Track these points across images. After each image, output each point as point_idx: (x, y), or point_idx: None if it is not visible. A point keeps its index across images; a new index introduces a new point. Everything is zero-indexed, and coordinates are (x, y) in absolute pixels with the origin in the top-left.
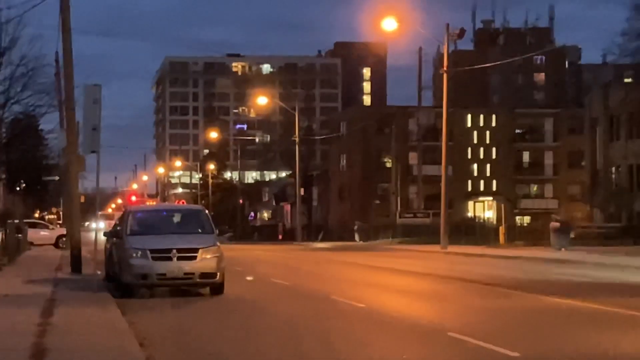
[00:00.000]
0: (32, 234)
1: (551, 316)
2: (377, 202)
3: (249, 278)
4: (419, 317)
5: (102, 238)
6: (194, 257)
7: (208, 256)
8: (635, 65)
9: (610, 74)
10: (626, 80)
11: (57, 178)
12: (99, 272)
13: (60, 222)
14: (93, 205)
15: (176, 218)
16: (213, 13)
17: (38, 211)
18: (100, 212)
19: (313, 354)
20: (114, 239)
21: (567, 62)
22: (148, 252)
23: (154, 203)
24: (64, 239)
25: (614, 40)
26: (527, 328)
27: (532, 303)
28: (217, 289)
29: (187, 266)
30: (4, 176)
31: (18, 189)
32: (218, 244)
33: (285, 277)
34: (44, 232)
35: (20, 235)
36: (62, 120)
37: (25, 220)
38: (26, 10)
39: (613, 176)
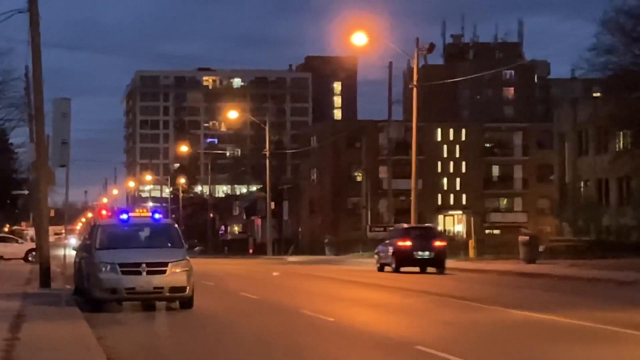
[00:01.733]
0: (2, 248)
1: (519, 330)
2: (348, 214)
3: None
4: (387, 330)
5: (71, 252)
6: (164, 271)
7: (177, 270)
8: (603, 80)
9: (579, 89)
10: (594, 95)
11: (26, 192)
12: (68, 287)
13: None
14: (62, 219)
15: (145, 232)
16: (184, 28)
17: (8, 225)
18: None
19: None
20: (83, 253)
21: (536, 77)
22: (117, 266)
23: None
24: (34, 252)
25: (582, 55)
26: (494, 342)
27: (500, 317)
28: (187, 303)
29: (157, 280)
30: None
31: None
32: (187, 258)
33: (255, 291)
34: (13, 246)
35: None
36: (32, 134)
37: None
38: None
39: (582, 190)
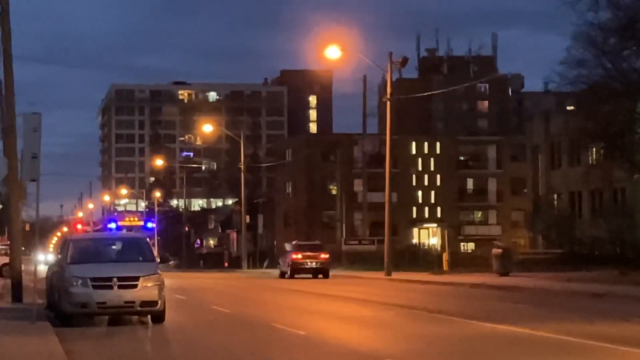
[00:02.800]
0: None
1: (489, 343)
2: (323, 227)
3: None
4: (358, 344)
5: (43, 267)
6: (135, 286)
7: (149, 284)
8: (575, 93)
9: (552, 102)
10: (567, 108)
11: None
12: (40, 301)
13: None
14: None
15: (117, 246)
16: (158, 41)
17: None
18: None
19: None
20: (55, 267)
21: (509, 90)
22: (88, 280)
23: (136, 220)
24: (6, 267)
25: (554, 68)
26: (462, 354)
27: (471, 330)
28: (158, 317)
29: (128, 294)
30: None
31: None
32: (159, 272)
33: (228, 305)
34: None
35: None
36: (5, 148)
37: None
38: None
39: (555, 203)
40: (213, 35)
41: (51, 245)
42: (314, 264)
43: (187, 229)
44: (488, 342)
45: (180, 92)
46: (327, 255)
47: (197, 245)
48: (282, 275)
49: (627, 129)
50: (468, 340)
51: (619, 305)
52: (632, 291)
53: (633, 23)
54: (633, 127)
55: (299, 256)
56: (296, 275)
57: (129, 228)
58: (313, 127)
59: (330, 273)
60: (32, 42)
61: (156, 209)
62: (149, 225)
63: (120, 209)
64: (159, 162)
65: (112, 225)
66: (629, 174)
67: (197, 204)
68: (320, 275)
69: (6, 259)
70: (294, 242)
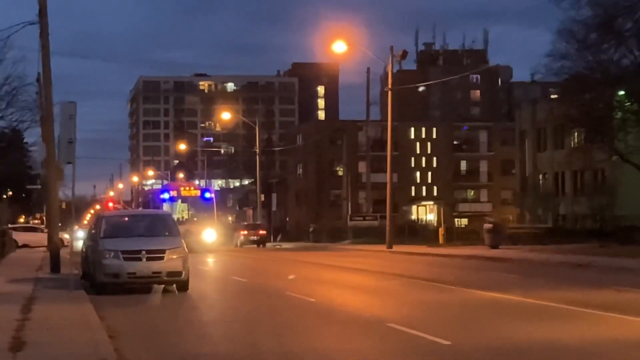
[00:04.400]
0: (29, 237)
1: (484, 309)
2: (330, 205)
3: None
4: (363, 310)
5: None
6: (162, 258)
7: (174, 256)
8: (559, 83)
9: (538, 91)
10: (552, 96)
11: (39, 186)
12: (76, 272)
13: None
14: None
15: (145, 222)
16: (181, 37)
17: (23, 217)
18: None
19: (265, 345)
20: (89, 241)
21: (499, 81)
22: (120, 253)
23: (192, 190)
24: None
25: (540, 60)
26: (461, 320)
27: (467, 297)
28: (183, 286)
29: (155, 266)
30: None
31: (4, 197)
32: (183, 245)
33: (245, 275)
34: (39, 235)
35: (5, 238)
36: (43, 134)
37: (23, 225)
38: (9, 34)
39: (540, 182)
40: (231, 31)
41: (85, 222)
42: (255, 237)
43: None
44: (483, 308)
45: (201, 83)
46: (264, 232)
47: None
48: (235, 245)
49: (606, 115)
50: (464, 307)
51: (599, 274)
52: (611, 262)
53: (611, 19)
54: (612, 113)
55: (245, 232)
56: (244, 246)
57: (185, 198)
58: (321, 115)
59: (337, 246)
60: (67, 39)
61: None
62: (207, 195)
63: (147, 189)
64: (182, 147)
65: (166, 196)
66: (608, 156)
67: (217, 184)
68: (260, 245)
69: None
70: (242, 223)
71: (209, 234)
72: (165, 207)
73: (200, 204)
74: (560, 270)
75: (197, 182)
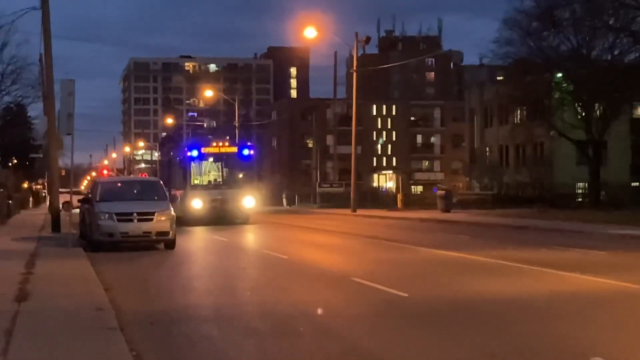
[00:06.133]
0: None
1: (437, 266)
2: (301, 174)
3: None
4: (330, 266)
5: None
6: (151, 219)
7: (162, 218)
8: (504, 67)
9: (485, 74)
10: (498, 78)
11: (41, 155)
12: (74, 232)
13: (45, 191)
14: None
15: (136, 188)
16: (169, 23)
17: (27, 182)
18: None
19: (243, 296)
20: (86, 205)
21: (452, 64)
22: (114, 215)
23: (226, 146)
24: (67, 204)
25: (488, 46)
26: (416, 275)
27: (422, 255)
28: (170, 244)
29: (146, 226)
30: None
31: (10, 164)
32: (170, 208)
33: (225, 235)
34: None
35: (11, 201)
36: (45, 108)
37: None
38: (14, 19)
39: (487, 155)
40: (214, 18)
41: (82, 187)
42: None
43: None
44: (436, 264)
45: (186, 64)
46: None
47: None
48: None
49: (545, 96)
50: (420, 263)
51: (538, 236)
52: (548, 225)
53: (551, 10)
54: (550, 94)
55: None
56: None
57: (219, 156)
58: (294, 93)
59: (307, 210)
60: (66, 22)
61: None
62: (246, 152)
63: (138, 158)
64: (169, 121)
65: (194, 153)
66: (547, 131)
67: None
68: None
69: (67, 197)
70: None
71: (249, 200)
72: (194, 167)
73: (237, 162)
74: (504, 232)
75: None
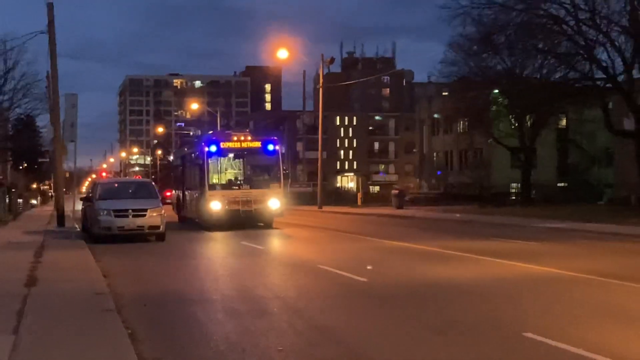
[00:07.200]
0: None
1: (393, 255)
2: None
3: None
4: (300, 255)
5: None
6: (144, 215)
7: (154, 214)
8: (449, 84)
9: (433, 90)
10: (444, 94)
11: (48, 160)
12: (76, 226)
13: (52, 191)
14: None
15: (131, 188)
16: (159, 44)
17: (35, 183)
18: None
19: (225, 281)
20: (87, 202)
21: (404, 81)
22: (112, 211)
23: (247, 140)
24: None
25: (435, 66)
26: (374, 263)
27: (378, 245)
28: (161, 237)
29: (139, 221)
30: (10, 159)
31: (20, 168)
32: (161, 205)
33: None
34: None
35: (21, 200)
36: (51, 119)
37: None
38: (24, 41)
39: (435, 159)
40: (198, 41)
41: (84, 188)
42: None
43: None
44: (393, 253)
45: (174, 80)
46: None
47: None
48: None
49: (484, 109)
50: (378, 252)
51: (479, 229)
52: (487, 219)
53: (489, 35)
54: (489, 107)
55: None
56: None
57: (240, 151)
58: (268, 106)
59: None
60: (70, 43)
61: (158, 162)
62: (270, 147)
63: (133, 162)
64: (160, 130)
65: (213, 149)
66: (486, 139)
67: None
68: None
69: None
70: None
71: (274, 202)
72: (212, 165)
73: (261, 159)
74: (449, 225)
75: (171, 157)
